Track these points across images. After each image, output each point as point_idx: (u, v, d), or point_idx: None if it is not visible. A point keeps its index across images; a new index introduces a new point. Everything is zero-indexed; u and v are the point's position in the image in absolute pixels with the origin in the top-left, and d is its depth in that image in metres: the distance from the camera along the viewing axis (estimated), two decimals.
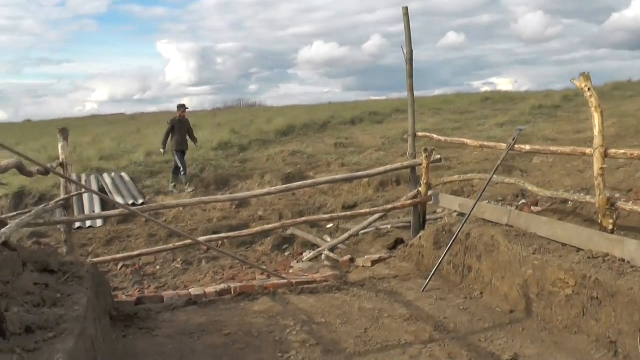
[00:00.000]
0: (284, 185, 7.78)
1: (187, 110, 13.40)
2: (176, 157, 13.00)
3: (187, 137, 13.24)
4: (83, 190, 5.66)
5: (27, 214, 4.39)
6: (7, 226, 3.60)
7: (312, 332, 4.54)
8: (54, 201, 5.73)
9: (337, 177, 8.02)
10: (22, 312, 3.27)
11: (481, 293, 5.22)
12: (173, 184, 13.00)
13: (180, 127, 13.00)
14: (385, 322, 4.67)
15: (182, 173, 13.01)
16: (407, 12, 6.43)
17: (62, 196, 5.68)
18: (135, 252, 6.58)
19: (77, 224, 10.04)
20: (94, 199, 11.35)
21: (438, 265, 5.50)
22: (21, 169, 3.91)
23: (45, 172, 4.68)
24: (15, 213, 5.08)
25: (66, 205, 5.66)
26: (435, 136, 7.39)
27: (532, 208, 7.22)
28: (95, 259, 5.66)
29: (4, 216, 4.96)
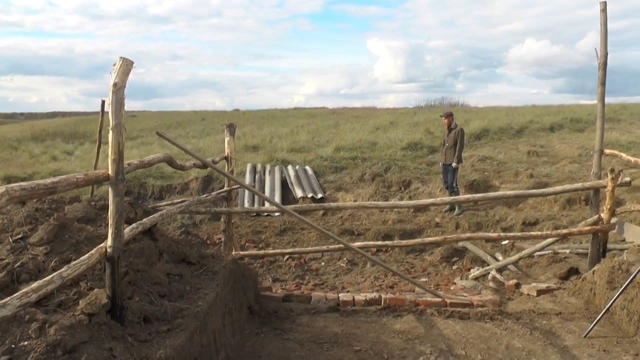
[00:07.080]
0: (442, 199, 7.25)
1: (451, 117, 11.44)
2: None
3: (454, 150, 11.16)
4: (237, 185, 5.83)
5: (178, 205, 4.63)
6: (151, 216, 3.78)
7: None
8: (214, 192, 6.04)
9: (508, 192, 7.23)
10: (145, 302, 3.39)
11: None
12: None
13: (446, 137, 11.40)
14: None
15: (445, 187, 11.52)
16: (605, 9, 5.47)
17: (225, 188, 5.96)
18: (271, 251, 6.69)
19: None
20: (275, 189, 11.89)
21: (607, 309, 4.63)
22: (170, 163, 4.09)
23: (203, 165, 4.87)
24: (179, 201, 5.43)
25: (227, 197, 5.91)
26: (624, 155, 6.34)
27: None
28: (240, 252, 5.81)
29: (163, 203, 5.34)
